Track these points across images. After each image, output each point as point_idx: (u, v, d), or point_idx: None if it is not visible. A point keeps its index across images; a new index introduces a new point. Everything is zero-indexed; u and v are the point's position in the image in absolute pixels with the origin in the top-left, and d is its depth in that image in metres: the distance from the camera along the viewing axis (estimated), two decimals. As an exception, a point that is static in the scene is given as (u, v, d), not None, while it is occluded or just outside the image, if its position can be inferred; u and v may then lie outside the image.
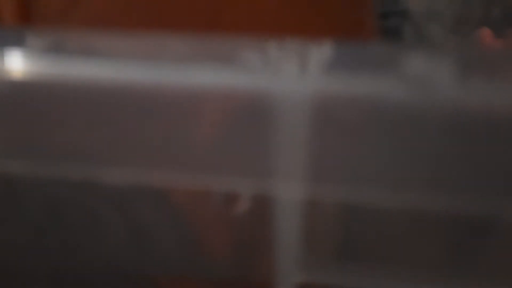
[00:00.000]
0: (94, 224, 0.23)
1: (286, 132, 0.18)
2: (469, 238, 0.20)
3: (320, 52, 0.19)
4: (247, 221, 0.21)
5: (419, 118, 0.18)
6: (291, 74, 0.18)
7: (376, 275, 0.21)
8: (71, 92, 0.19)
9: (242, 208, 0.21)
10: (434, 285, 0.21)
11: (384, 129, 0.18)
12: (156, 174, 0.19)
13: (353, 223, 0.21)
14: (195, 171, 0.19)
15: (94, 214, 0.23)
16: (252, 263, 0.23)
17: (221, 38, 0.19)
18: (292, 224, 0.20)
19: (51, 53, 0.19)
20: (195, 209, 0.23)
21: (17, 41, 0.19)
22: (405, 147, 0.18)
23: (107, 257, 0.23)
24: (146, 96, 0.19)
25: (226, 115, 0.19)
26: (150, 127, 0.19)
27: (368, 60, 0.18)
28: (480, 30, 0.41)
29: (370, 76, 0.18)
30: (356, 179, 0.18)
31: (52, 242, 0.23)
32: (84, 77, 0.19)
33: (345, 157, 0.18)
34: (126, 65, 0.19)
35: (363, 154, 0.18)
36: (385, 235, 0.21)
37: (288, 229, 0.20)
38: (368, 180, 0.18)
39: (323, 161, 0.18)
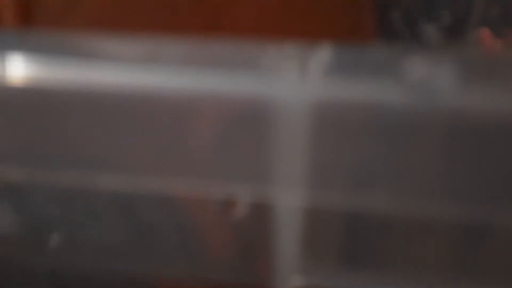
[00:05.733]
0: (95, 225, 0.23)
1: (285, 137, 0.18)
2: (471, 244, 0.20)
3: (321, 56, 0.19)
4: (246, 226, 0.21)
5: (420, 123, 0.17)
6: (290, 79, 0.18)
7: (376, 280, 0.21)
8: (70, 96, 0.19)
9: (241, 213, 0.21)
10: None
11: (385, 135, 0.18)
12: (154, 180, 0.19)
13: (353, 228, 0.21)
14: (193, 177, 0.19)
15: (95, 215, 0.22)
16: (251, 267, 0.23)
17: (220, 41, 0.19)
18: (291, 229, 0.20)
19: (49, 57, 0.19)
20: (197, 210, 0.23)
21: (17, 45, 0.19)
22: (406, 153, 0.18)
23: (108, 259, 0.23)
24: (145, 101, 0.19)
25: (224, 120, 0.18)
26: (149, 132, 0.19)
27: (369, 65, 0.18)
28: (479, 30, 0.40)
29: (371, 81, 0.18)
30: (357, 185, 0.18)
31: (52, 243, 0.23)
32: (80, 82, 0.19)
33: (345, 163, 0.18)
34: (124, 69, 0.19)
35: (363, 159, 0.18)
36: (385, 240, 0.21)
37: (287, 234, 0.20)
38: (368, 187, 0.18)
39: (323, 166, 0.18)
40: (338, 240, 0.22)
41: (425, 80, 0.17)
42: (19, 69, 0.19)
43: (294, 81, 0.18)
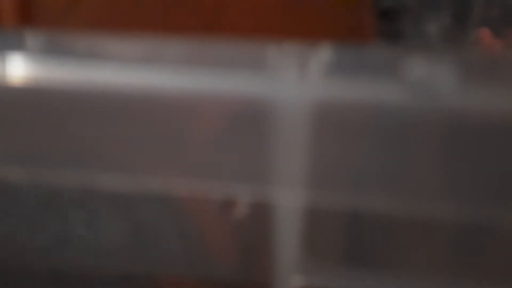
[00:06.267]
0: (95, 224, 0.23)
1: (285, 137, 0.18)
2: (471, 244, 0.20)
3: (321, 56, 0.18)
4: (246, 226, 0.21)
5: (420, 123, 0.17)
6: (290, 79, 0.18)
7: (376, 280, 0.21)
8: (70, 96, 0.19)
9: (241, 213, 0.21)
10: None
11: (385, 135, 0.18)
12: (155, 180, 0.19)
13: (353, 228, 0.21)
14: (193, 177, 0.19)
15: (95, 214, 0.22)
16: (251, 268, 0.23)
17: (220, 41, 0.19)
18: (291, 229, 0.20)
19: (50, 57, 0.19)
20: (197, 211, 0.23)
21: (17, 45, 0.19)
22: (406, 153, 0.18)
23: (108, 258, 0.23)
24: (145, 101, 0.19)
25: (224, 120, 0.18)
26: (149, 132, 0.19)
27: (369, 65, 0.18)
28: (479, 30, 0.40)
29: (371, 81, 0.18)
30: (357, 185, 0.18)
31: (52, 241, 0.23)
32: (80, 82, 0.19)
33: (345, 163, 0.18)
34: (124, 69, 0.19)
35: (363, 159, 0.18)
36: (385, 240, 0.21)
37: (287, 234, 0.20)
38: (368, 187, 0.18)
39: (323, 166, 0.18)
40: (338, 240, 0.22)
41: (425, 80, 0.17)
42: (19, 69, 0.19)
43: (294, 81, 0.18)
